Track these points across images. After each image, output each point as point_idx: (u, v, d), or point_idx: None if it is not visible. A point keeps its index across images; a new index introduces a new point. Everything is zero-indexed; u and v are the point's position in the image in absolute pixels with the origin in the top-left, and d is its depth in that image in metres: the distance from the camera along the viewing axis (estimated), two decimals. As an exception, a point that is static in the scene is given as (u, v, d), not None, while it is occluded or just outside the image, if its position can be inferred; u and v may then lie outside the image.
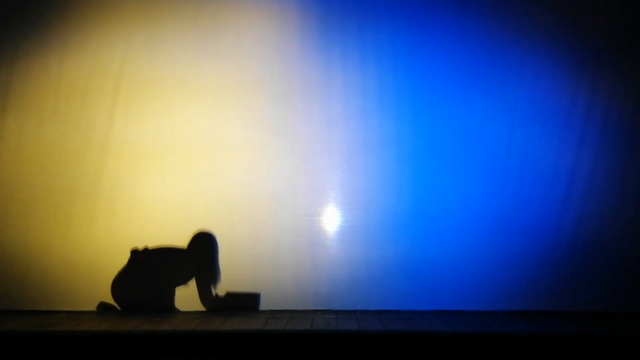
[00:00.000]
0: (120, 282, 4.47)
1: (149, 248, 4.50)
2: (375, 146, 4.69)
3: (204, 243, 4.54)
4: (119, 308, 4.48)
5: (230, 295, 4.50)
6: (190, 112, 4.72)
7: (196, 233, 4.56)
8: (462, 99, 4.69)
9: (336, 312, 4.43)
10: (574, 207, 4.62)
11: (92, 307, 4.50)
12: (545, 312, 4.41)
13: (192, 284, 4.50)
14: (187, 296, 4.52)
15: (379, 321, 4.05)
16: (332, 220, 4.68)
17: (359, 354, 3.38)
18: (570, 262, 4.57)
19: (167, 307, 4.45)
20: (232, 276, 4.53)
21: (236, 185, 4.61)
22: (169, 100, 4.73)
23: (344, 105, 4.72)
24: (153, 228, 4.60)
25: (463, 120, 4.68)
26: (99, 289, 4.56)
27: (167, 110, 4.73)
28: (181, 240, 4.57)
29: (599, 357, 3.37)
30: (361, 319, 4.12)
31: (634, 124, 4.68)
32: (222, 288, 4.51)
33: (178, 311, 4.44)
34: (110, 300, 4.49)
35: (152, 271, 4.46)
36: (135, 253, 4.48)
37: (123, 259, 4.57)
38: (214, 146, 4.69)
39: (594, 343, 3.41)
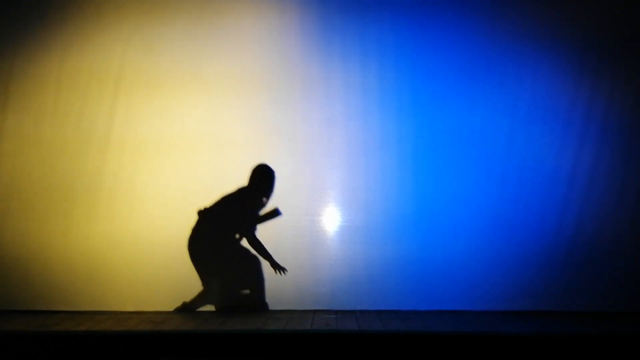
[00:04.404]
0: (195, 240, 4.47)
1: (210, 205, 4.52)
2: (375, 146, 4.69)
3: (265, 169, 4.58)
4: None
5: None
6: (190, 111, 4.72)
7: (254, 167, 4.59)
8: (463, 98, 4.69)
9: (336, 312, 4.43)
10: (574, 207, 4.62)
11: (92, 307, 4.49)
12: (545, 312, 4.41)
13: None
14: (186, 295, 4.54)
15: (379, 321, 4.05)
16: (332, 220, 4.68)
17: (359, 354, 3.38)
18: (570, 262, 4.57)
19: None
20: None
21: (236, 184, 4.60)
22: (169, 98, 4.73)
23: (345, 104, 4.72)
24: (153, 227, 4.60)
25: (463, 120, 4.68)
26: (98, 289, 4.56)
27: (167, 109, 4.73)
28: (182, 238, 4.56)
29: (599, 357, 3.37)
30: (361, 319, 4.12)
31: (634, 124, 4.68)
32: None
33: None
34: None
35: (219, 223, 4.50)
36: (200, 212, 4.50)
37: (123, 258, 4.57)
38: (214, 145, 4.69)
39: (594, 343, 3.41)
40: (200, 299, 4.48)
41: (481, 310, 4.45)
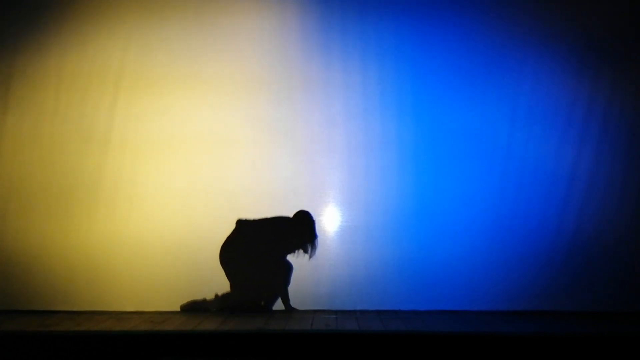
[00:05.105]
0: (228, 247, 4.47)
1: (253, 219, 4.52)
2: (375, 146, 4.69)
3: (306, 217, 4.55)
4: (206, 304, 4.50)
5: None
6: (191, 111, 4.72)
7: (298, 210, 4.56)
8: (463, 98, 4.69)
9: (336, 312, 4.43)
10: (574, 206, 4.62)
11: (92, 307, 4.50)
12: (546, 312, 4.41)
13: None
14: (186, 295, 4.54)
15: (379, 321, 4.05)
16: (332, 220, 4.68)
17: (359, 354, 3.38)
18: (570, 262, 4.57)
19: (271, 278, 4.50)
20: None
21: (237, 184, 4.61)
22: (169, 98, 4.73)
23: (345, 104, 4.72)
24: (153, 226, 4.61)
25: (463, 120, 4.68)
26: (98, 289, 4.56)
27: (167, 109, 4.73)
28: (182, 238, 4.57)
29: (599, 357, 3.37)
30: (361, 319, 4.12)
31: (634, 124, 4.68)
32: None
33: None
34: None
35: (255, 241, 4.48)
36: (240, 222, 4.50)
37: (123, 258, 4.57)
38: (215, 145, 4.70)
39: (594, 343, 3.41)
40: (223, 300, 4.49)
41: (481, 310, 4.45)
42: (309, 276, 4.58)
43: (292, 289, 4.55)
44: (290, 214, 4.57)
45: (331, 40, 4.76)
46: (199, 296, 4.51)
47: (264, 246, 4.46)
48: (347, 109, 4.73)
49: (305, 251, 4.51)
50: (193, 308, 4.47)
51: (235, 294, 4.45)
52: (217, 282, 4.51)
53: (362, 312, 4.44)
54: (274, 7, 4.81)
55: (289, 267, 4.52)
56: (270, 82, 4.75)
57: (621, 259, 4.57)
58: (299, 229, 4.53)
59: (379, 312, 4.41)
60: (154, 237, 4.58)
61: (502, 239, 4.59)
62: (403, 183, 4.65)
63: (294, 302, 4.53)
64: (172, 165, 4.69)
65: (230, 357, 3.35)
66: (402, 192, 4.64)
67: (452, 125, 4.68)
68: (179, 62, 4.76)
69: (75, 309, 4.46)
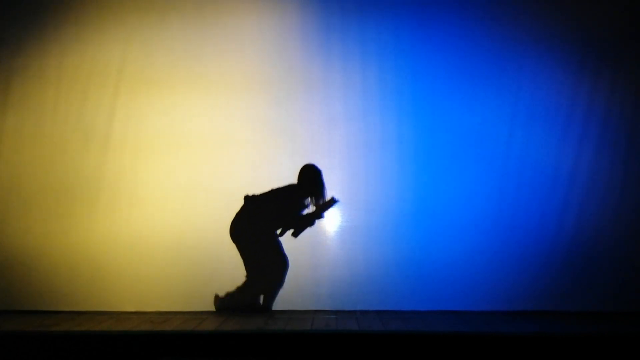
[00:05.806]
0: (237, 223, 4.47)
1: (260, 193, 4.52)
2: (375, 146, 4.70)
3: (310, 167, 4.56)
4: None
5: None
6: (191, 111, 4.72)
7: (301, 167, 4.56)
8: (463, 98, 4.69)
9: (336, 312, 4.43)
10: (574, 206, 4.62)
11: (92, 307, 4.50)
12: (545, 312, 4.41)
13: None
14: (186, 295, 4.54)
15: (379, 321, 4.05)
16: (332, 220, 4.67)
17: (359, 354, 3.38)
18: (570, 262, 4.57)
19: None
20: (233, 276, 4.52)
21: (237, 184, 4.60)
22: (169, 98, 4.73)
23: (345, 105, 4.72)
24: (154, 226, 4.61)
25: (463, 120, 4.68)
26: (98, 289, 4.57)
27: (167, 108, 4.73)
28: (182, 238, 4.58)
29: (599, 357, 3.37)
30: (361, 319, 4.12)
31: (634, 124, 4.68)
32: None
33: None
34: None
35: (263, 212, 4.49)
36: (247, 198, 4.49)
37: (123, 258, 4.58)
38: (214, 144, 4.70)
39: (594, 343, 3.41)
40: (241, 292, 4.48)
41: (481, 310, 4.45)
42: (309, 276, 4.58)
43: (292, 289, 4.54)
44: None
45: (331, 40, 4.77)
46: (198, 295, 4.51)
47: (273, 211, 4.46)
48: (347, 109, 4.73)
49: (317, 204, 4.49)
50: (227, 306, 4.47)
51: (249, 274, 4.45)
52: (218, 282, 4.52)
53: (362, 312, 4.44)
54: (275, 7, 4.81)
55: (285, 264, 4.49)
56: (270, 82, 4.75)
57: (621, 259, 4.57)
58: (305, 181, 4.51)
59: (379, 312, 4.41)
60: (154, 237, 4.58)
61: (502, 239, 4.59)
62: (403, 183, 4.66)
63: (295, 303, 4.52)
64: (172, 165, 4.69)
65: (230, 357, 3.35)
66: (402, 192, 4.65)
67: (452, 125, 4.68)
68: (179, 62, 4.76)
69: (76, 309, 4.47)
